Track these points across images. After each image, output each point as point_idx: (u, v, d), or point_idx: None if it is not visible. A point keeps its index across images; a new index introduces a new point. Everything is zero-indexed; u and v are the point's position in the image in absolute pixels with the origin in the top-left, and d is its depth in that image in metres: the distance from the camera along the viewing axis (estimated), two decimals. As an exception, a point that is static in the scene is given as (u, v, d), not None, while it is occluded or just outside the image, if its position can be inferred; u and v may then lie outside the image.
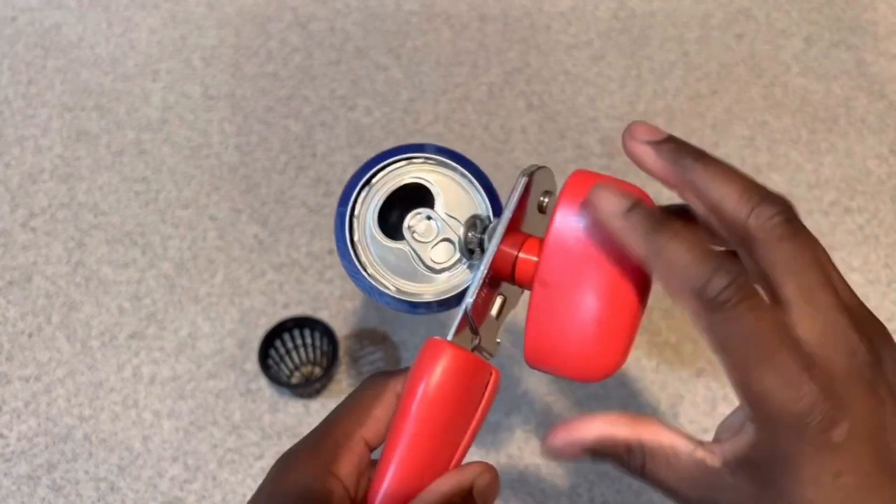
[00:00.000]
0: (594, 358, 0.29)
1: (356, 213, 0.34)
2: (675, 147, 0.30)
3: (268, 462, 0.60)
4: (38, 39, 0.83)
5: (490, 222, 0.33)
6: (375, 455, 0.31)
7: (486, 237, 0.32)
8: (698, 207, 0.29)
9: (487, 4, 0.88)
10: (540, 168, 0.32)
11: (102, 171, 0.74)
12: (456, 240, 0.34)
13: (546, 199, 0.33)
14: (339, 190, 0.73)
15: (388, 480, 0.29)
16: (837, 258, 0.71)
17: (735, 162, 0.77)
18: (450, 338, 0.30)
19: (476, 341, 0.32)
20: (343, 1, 0.87)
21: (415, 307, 0.34)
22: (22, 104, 0.78)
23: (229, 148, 0.76)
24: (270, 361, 0.62)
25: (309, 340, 0.64)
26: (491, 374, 0.31)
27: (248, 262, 0.69)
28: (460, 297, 0.33)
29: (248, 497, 0.58)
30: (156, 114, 0.78)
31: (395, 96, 0.80)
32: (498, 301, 0.33)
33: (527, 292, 0.31)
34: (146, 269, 0.69)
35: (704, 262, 0.25)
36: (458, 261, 0.34)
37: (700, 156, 0.29)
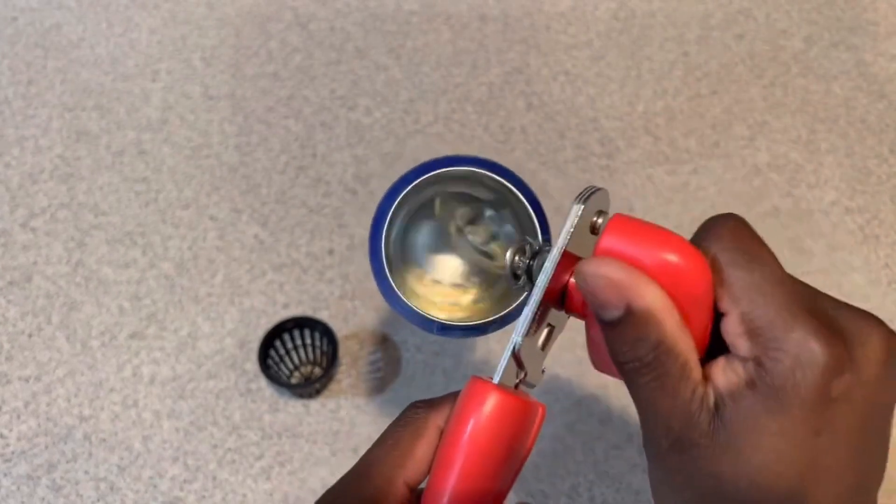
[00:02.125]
0: None
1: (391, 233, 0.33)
2: None
3: (268, 462, 0.60)
4: (39, 39, 0.83)
5: (538, 247, 0.30)
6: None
7: (534, 264, 0.30)
8: None
9: (487, 5, 0.88)
10: (596, 191, 0.28)
11: (103, 171, 0.74)
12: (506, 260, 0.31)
13: (600, 220, 0.29)
14: (339, 190, 0.73)
15: None
16: (838, 258, 0.72)
17: (735, 162, 0.77)
18: (496, 380, 0.28)
19: (522, 376, 0.29)
20: (343, 1, 0.87)
21: (446, 329, 0.33)
22: (22, 104, 0.78)
23: (229, 148, 0.76)
24: (270, 362, 0.62)
25: (309, 340, 0.64)
26: (538, 412, 0.29)
27: (248, 262, 0.69)
28: (502, 321, 0.31)
29: (248, 497, 0.58)
30: (156, 114, 0.78)
31: (395, 96, 0.80)
32: (545, 332, 0.30)
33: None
34: (146, 269, 0.69)
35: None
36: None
37: None
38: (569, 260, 0.28)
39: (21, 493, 0.59)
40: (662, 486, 0.26)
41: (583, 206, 0.27)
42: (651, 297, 0.23)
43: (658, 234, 0.25)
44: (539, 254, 0.30)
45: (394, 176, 0.75)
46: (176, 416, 0.62)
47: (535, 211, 0.32)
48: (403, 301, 0.32)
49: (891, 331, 0.25)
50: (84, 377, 0.63)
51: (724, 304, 0.24)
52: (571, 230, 0.27)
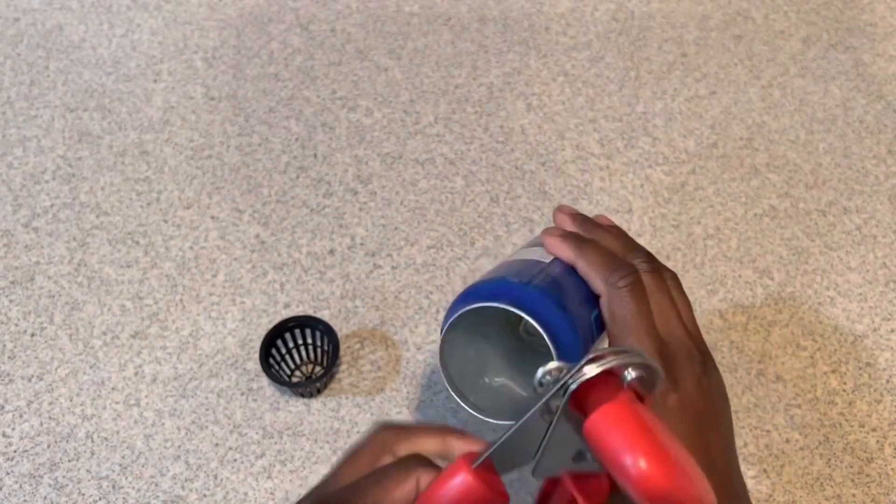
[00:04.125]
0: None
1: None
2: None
3: (268, 461, 0.60)
4: (41, 40, 0.84)
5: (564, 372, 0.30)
6: None
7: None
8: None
9: (487, 6, 0.88)
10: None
11: (104, 171, 0.75)
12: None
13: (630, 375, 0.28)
14: (340, 190, 0.74)
15: None
16: (835, 258, 0.72)
17: (733, 162, 0.78)
18: (475, 464, 0.30)
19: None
20: (344, 2, 0.88)
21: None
22: (24, 105, 0.79)
23: (231, 148, 0.76)
24: (272, 361, 0.62)
25: (310, 340, 0.65)
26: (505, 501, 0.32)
27: (249, 261, 0.69)
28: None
29: (250, 495, 0.58)
30: (157, 114, 0.78)
31: (395, 97, 0.80)
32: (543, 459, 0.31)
33: None
34: (148, 269, 0.69)
35: (611, 262, 0.39)
36: None
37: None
38: (602, 387, 0.28)
39: (23, 492, 0.59)
40: None
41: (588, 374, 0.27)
42: None
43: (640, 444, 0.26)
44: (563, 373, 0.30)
45: (394, 176, 0.75)
46: (177, 414, 0.62)
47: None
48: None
49: (701, 360, 0.38)
50: (86, 376, 0.64)
51: (610, 344, 0.38)
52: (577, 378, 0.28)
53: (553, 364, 0.28)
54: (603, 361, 0.27)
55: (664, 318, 0.38)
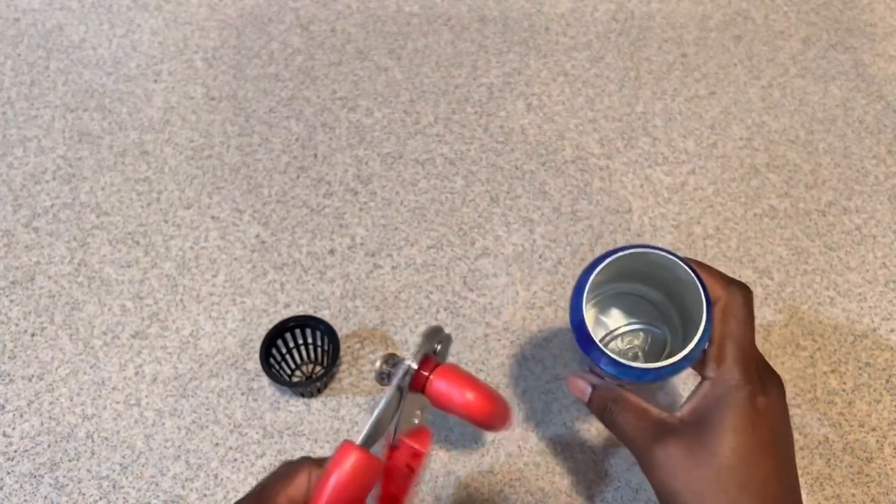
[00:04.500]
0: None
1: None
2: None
3: (269, 461, 0.60)
4: (41, 40, 0.84)
5: (397, 360, 0.47)
6: None
7: (393, 371, 0.46)
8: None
9: (487, 6, 0.88)
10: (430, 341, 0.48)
11: (105, 171, 0.75)
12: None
13: (438, 347, 0.48)
14: (340, 190, 0.74)
15: None
16: (835, 258, 0.72)
17: (733, 162, 0.78)
18: (358, 441, 0.40)
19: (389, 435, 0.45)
20: (344, 2, 0.88)
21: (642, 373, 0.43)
22: (25, 105, 0.79)
23: (231, 148, 0.76)
24: (272, 360, 0.63)
25: (310, 340, 0.65)
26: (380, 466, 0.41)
27: (249, 261, 0.70)
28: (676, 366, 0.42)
29: (250, 495, 0.58)
30: (158, 114, 0.78)
31: (395, 97, 0.80)
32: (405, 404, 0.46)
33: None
34: (148, 269, 0.69)
35: (729, 277, 0.45)
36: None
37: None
38: (426, 365, 0.46)
39: (24, 492, 0.59)
40: (670, 467, 0.41)
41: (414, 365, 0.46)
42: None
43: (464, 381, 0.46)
44: (398, 364, 0.45)
45: (394, 176, 0.75)
46: (178, 414, 0.62)
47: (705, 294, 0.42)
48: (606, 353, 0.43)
49: (779, 381, 0.43)
50: (86, 376, 0.64)
51: (717, 338, 0.42)
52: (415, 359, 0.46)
53: (384, 353, 0.47)
54: (418, 352, 0.46)
55: (755, 341, 0.43)
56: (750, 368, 0.41)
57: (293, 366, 0.65)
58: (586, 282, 0.43)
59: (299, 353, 0.65)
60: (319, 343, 0.65)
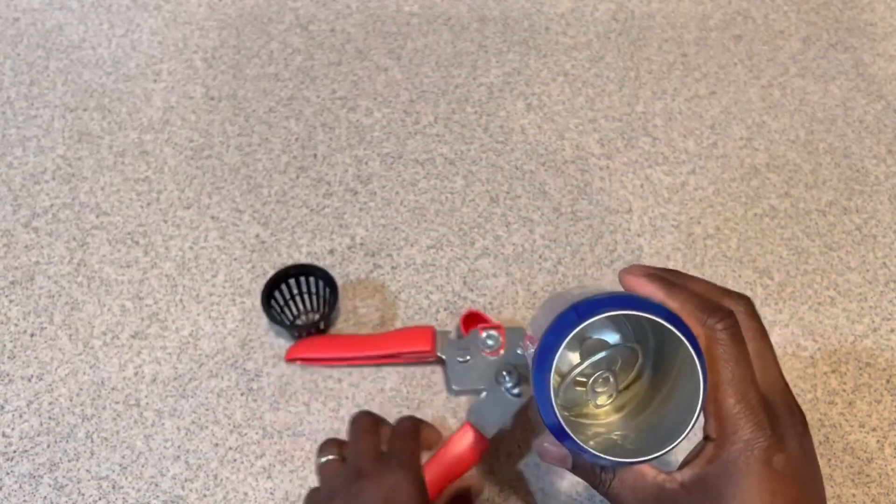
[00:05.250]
0: None
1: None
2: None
3: (268, 461, 0.60)
4: (40, 40, 0.84)
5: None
6: None
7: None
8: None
9: (487, 6, 0.88)
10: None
11: (104, 171, 0.75)
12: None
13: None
14: (340, 190, 0.74)
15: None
16: (835, 258, 0.72)
17: (733, 162, 0.78)
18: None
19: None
20: (344, 2, 0.88)
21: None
22: (24, 105, 0.79)
23: (231, 148, 0.76)
24: (273, 312, 0.64)
25: (313, 289, 0.66)
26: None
27: (249, 261, 0.69)
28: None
29: (250, 495, 0.58)
30: (157, 114, 0.78)
31: (395, 97, 0.80)
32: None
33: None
34: (148, 269, 0.69)
35: (706, 304, 0.36)
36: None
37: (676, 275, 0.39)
38: None
39: (23, 492, 0.59)
40: None
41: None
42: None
43: None
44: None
45: (394, 176, 0.75)
46: (177, 414, 0.62)
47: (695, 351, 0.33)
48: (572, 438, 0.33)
49: (801, 418, 0.35)
50: (86, 376, 0.64)
51: (711, 389, 0.34)
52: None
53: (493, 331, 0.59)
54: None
55: (764, 366, 0.35)
56: (759, 419, 0.33)
57: (294, 314, 0.67)
58: (550, 365, 0.33)
59: (302, 301, 0.67)
60: (321, 292, 0.66)
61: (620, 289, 0.38)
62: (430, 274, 0.69)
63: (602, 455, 0.33)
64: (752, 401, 0.33)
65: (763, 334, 0.36)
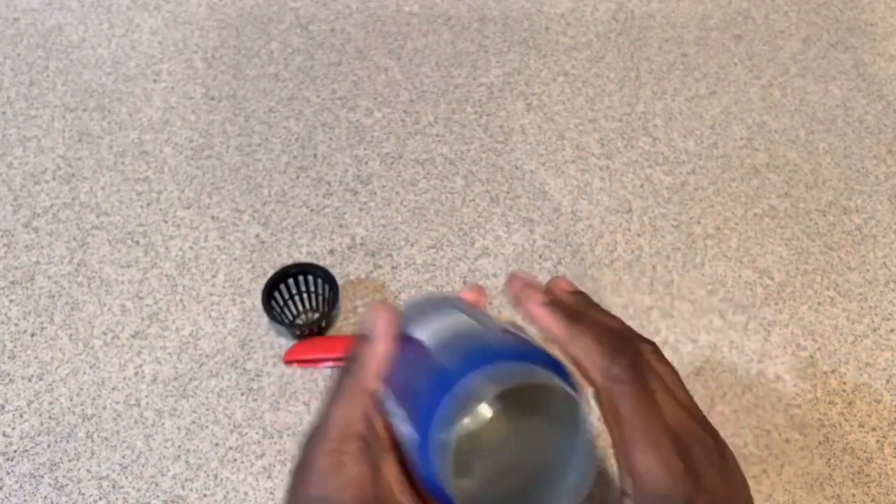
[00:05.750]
0: None
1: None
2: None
3: (268, 461, 0.60)
4: (41, 40, 0.84)
5: None
6: None
7: None
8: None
9: (487, 6, 0.88)
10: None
11: (104, 171, 0.75)
12: None
13: None
14: (339, 190, 0.74)
15: None
16: (835, 258, 0.72)
17: (733, 162, 0.78)
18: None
19: None
20: (344, 2, 0.88)
21: None
22: (24, 105, 0.79)
23: (231, 148, 0.76)
24: (274, 313, 0.64)
25: (313, 288, 0.66)
26: None
27: (249, 261, 0.69)
28: None
29: (250, 495, 0.58)
30: (157, 114, 0.78)
31: (395, 97, 0.80)
32: None
33: None
34: (148, 269, 0.69)
35: (608, 349, 0.33)
36: None
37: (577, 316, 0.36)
38: None
39: (24, 492, 0.59)
40: None
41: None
42: None
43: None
44: None
45: (394, 176, 0.75)
46: (178, 414, 0.62)
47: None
48: None
49: (716, 446, 0.33)
50: (86, 376, 0.64)
51: (618, 445, 0.32)
52: None
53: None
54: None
55: (670, 407, 0.33)
56: (673, 468, 0.31)
57: (295, 313, 0.67)
58: (444, 461, 0.27)
59: (301, 301, 0.67)
60: (321, 291, 0.66)
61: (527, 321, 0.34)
62: (430, 274, 0.69)
63: None
64: (665, 450, 0.31)
65: (671, 372, 0.34)
